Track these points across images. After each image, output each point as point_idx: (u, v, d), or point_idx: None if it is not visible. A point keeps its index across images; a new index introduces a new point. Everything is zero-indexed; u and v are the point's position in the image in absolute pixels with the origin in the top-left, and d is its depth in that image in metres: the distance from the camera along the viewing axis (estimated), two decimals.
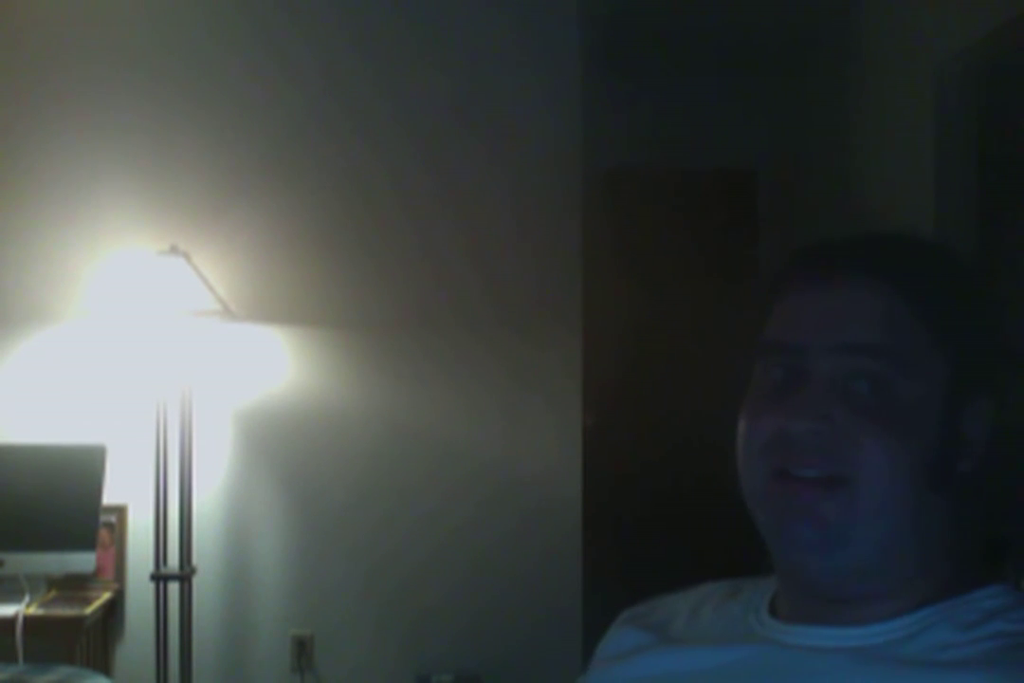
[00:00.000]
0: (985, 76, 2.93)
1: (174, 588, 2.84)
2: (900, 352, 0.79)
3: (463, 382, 3.09)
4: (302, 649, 3.04)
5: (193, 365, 2.86)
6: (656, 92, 4.45)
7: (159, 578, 2.80)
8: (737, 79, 4.49)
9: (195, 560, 2.88)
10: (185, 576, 2.83)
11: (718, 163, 4.56)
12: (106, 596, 2.86)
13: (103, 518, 2.82)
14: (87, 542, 2.73)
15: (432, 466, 3.07)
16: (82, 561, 2.73)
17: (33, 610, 2.67)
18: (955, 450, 0.80)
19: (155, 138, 3.04)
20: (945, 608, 0.79)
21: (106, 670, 2.89)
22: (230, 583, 3.03)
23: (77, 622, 2.67)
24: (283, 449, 3.06)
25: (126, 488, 2.93)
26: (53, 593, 2.81)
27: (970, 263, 0.86)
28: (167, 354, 2.81)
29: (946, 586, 0.81)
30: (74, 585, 2.85)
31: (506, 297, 3.11)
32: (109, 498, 2.82)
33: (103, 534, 2.87)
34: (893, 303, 0.80)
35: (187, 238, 2.91)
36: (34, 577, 2.75)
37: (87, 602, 2.78)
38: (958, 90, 2.97)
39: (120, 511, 2.95)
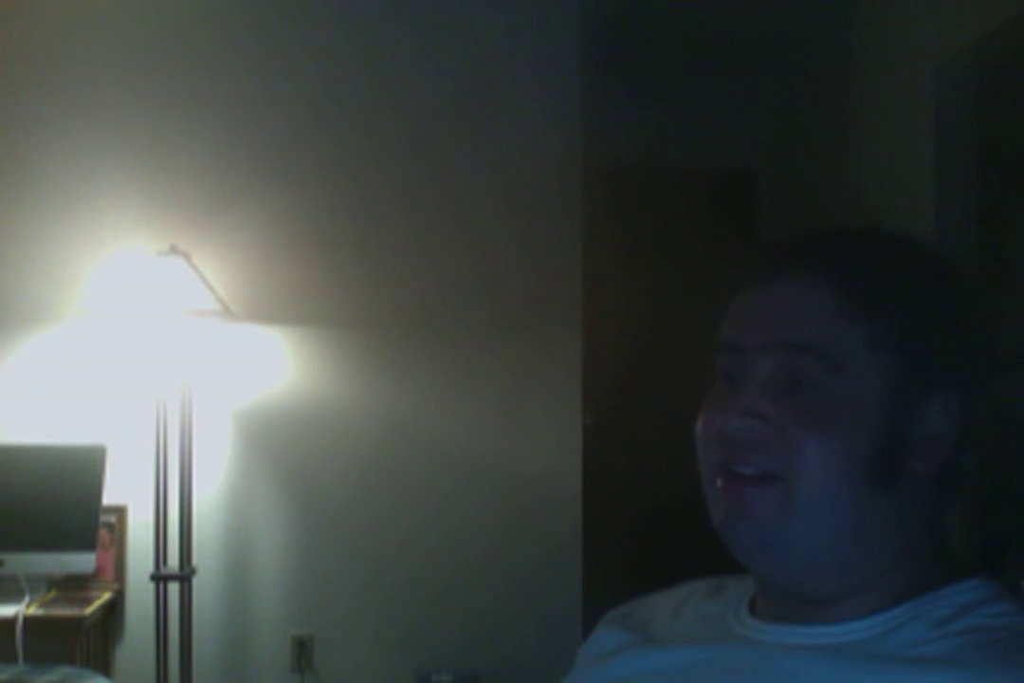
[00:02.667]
0: (985, 76, 2.93)
1: (174, 588, 2.83)
2: (837, 348, 0.77)
3: (463, 382, 3.09)
4: (302, 649, 3.04)
5: (193, 365, 2.86)
6: (656, 92, 4.45)
7: (159, 578, 2.80)
8: (736, 79, 4.49)
9: (195, 560, 2.88)
10: (185, 576, 2.83)
11: (718, 163, 4.56)
12: (106, 596, 2.86)
13: (103, 518, 2.82)
14: (87, 542, 2.73)
15: (432, 466, 3.07)
16: (82, 561, 2.72)
17: (33, 610, 2.67)
18: (902, 447, 0.78)
19: (155, 138, 3.04)
20: (919, 605, 0.78)
21: (106, 670, 2.89)
22: (230, 583, 3.03)
23: (77, 622, 2.67)
24: (283, 449, 3.06)
25: (126, 488, 2.93)
26: (53, 593, 2.81)
27: (942, 258, 0.83)
28: (167, 354, 2.81)
29: (920, 583, 0.79)
30: (74, 585, 2.85)
31: (506, 297, 3.11)
32: (109, 498, 2.82)
33: (103, 534, 2.87)
34: (833, 298, 0.78)
35: (187, 238, 2.91)
36: (34, 577, 2.75)
37: (87, 602, 2.78)
38: (958, 90, 2.97)
39: (120, 511, 2.95)
